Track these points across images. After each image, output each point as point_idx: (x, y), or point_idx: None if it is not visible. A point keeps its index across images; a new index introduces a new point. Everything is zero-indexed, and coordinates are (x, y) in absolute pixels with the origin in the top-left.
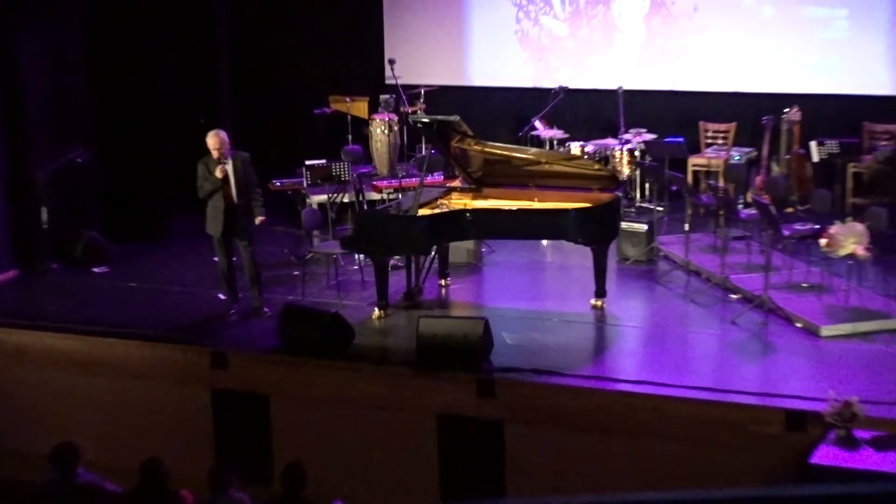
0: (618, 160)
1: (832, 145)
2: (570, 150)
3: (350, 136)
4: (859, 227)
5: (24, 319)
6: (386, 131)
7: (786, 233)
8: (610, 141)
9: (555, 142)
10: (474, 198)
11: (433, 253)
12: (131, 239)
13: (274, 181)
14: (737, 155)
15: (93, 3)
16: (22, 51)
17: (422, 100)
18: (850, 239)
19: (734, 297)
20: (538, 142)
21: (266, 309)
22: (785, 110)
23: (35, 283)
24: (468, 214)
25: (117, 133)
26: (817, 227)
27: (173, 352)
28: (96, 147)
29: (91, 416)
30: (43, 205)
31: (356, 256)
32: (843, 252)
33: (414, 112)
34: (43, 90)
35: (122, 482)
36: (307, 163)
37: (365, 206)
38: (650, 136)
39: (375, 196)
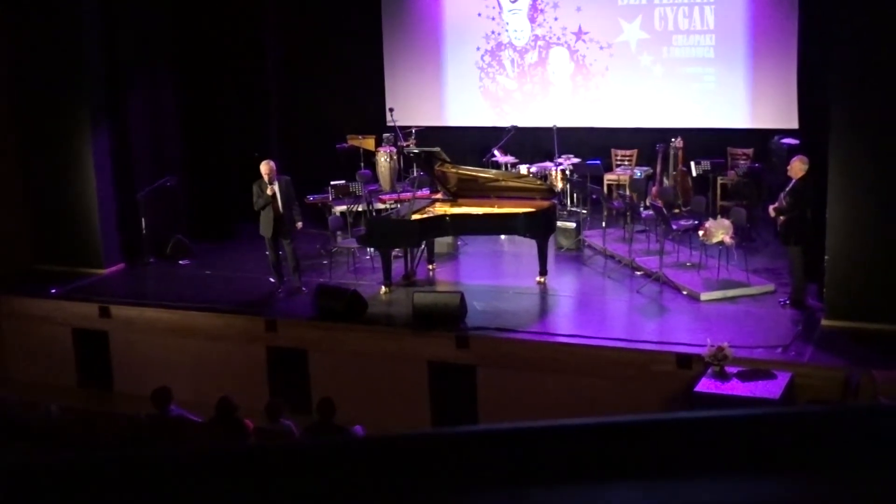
0: (554, 177)
1: (706, 164)
2: (519, 171)
3: (362, 163)
4: (726, 222)
5: (131, 299)
6: (388, 159)
7: (674, 227)
8: (548, 164)
9: (509, 165)
10: (452, 206)
11: (423, 246)
12: (207, 239)
13: (308, 196)
14: (638, 172)
15: (182, 71)
16: (129, 106)
17: (413, 136)
18: (719, 230)
19: (638, 273)
20: (497, 165)
21: (304, 288)
22: (672, 139)
23: (137, 272)
24: (448, 218)
25: (198, 163)
26: (696, 222)
27: (238, 320)
28: (182, 174)
29: (180, 367)
30: (143, 216)
31: (368, 249)
32: (715, 240)
33: (408, 145)
34: (144, 134)
35: (202, 414)
36: (332, 183)
37: (374, 214)
38: (576, 160)
39: (381, 206)
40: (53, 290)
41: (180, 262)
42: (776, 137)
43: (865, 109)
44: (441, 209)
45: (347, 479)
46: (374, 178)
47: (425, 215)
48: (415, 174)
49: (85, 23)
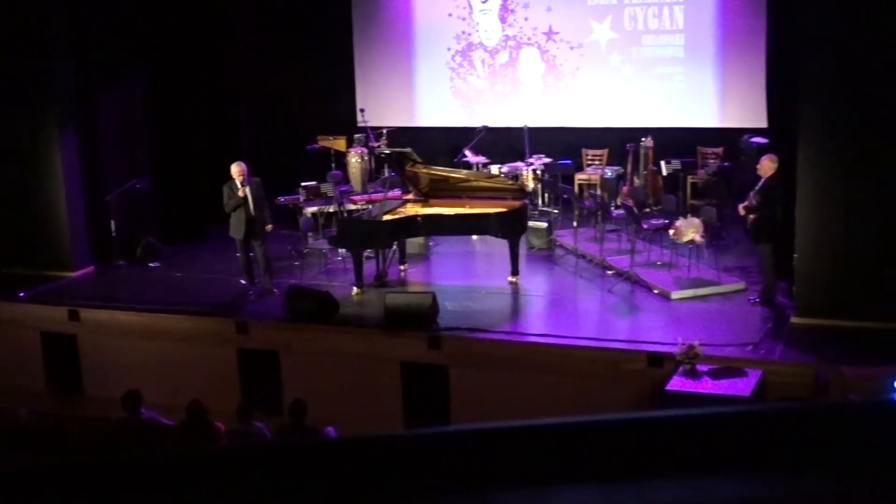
0: (525, 177)
1: (676, 163)
2: (490, 171)
3: (333, 164)
4: (696, 221)
5: (101, 302)
6: (359, 160)
7: (645, 226)
8: (519, 164)
9: (480, 165)
10: (423, 206)
11: (395, 246)
12: (177, 241)
13: (279, 198)
14: (609, 171)
15: (152, 72)
16: (98, 108)
17: (384, 137)
18: (690, 229)
19: (610, 272)
20: (468, 165)
21: (275, 290)
22: (642, 139)
23: (107, 275)
24: (419, 218)
25: (168, 165)
26: (667, 221)
27: (209, 322)
28: (152, 175)
29: (151, 370)
30: (112, 219)
31: (339, 250)
32: (685, 239)
33: (379, 146)
34: (113, 136)
35: (173, 417)
36: (303, 184)
37: (345, 215)
38: (547, 160)
39: (352, 207)
40: (22, 294)
41: (150, 264)
42: (745, 136)
43: (834, 109)
44: (412, 210)
45: (318, 481)
46: (346, 179)
47: (397, 216)
48: (386, 175)
49: (53, 24)
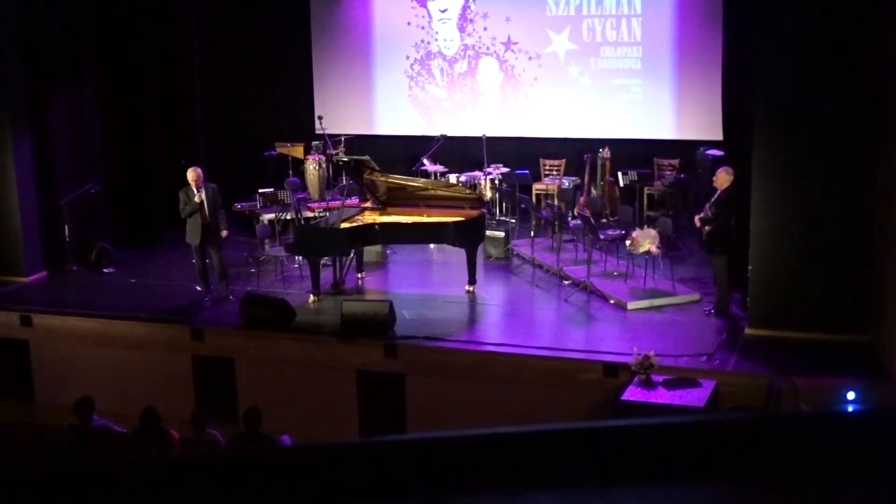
0: (483, 186)
1: (633, 174)
2: (448, 180)
3: (291, 171)
4: (653, 232)
5: (53, 307)
6: (317, 167)
7: (602, 236)
8: (477, 173)
9: (438, 174)
10: (381, 214)
11: (352, 254)
12: (132, 247)
13: (236, 204)
14: (566, 182)
15: (107, 76)
16: (51, 111)
17: (342, 144)
18: (646, 240)
19: (566, 282)
20: (426, 174)
21: (231, 297)
22: (599, 150)
23: (60, 281)
24: (377, 226)
25: (123, 170)
26: (623, 232)
27: (163, 329)
28: (107, 180)
29: (103, 376)
30: (66, 223)
31: (296, 258)
32: (641, 250)
33: (337, 153)
34: (67, 140)
35: (126, 425)
36: (260, 191)
37: (302, 222)
38: (505, 169)
39: (310, 214)
40: None
41: (104, 269)
42: (701, 148)
43: (788, 122)
44: (370, 217)
45: (272, 489)
46: (303, 186)
47: (354, 223)
48: (344, 182)
49: (3, 26)
